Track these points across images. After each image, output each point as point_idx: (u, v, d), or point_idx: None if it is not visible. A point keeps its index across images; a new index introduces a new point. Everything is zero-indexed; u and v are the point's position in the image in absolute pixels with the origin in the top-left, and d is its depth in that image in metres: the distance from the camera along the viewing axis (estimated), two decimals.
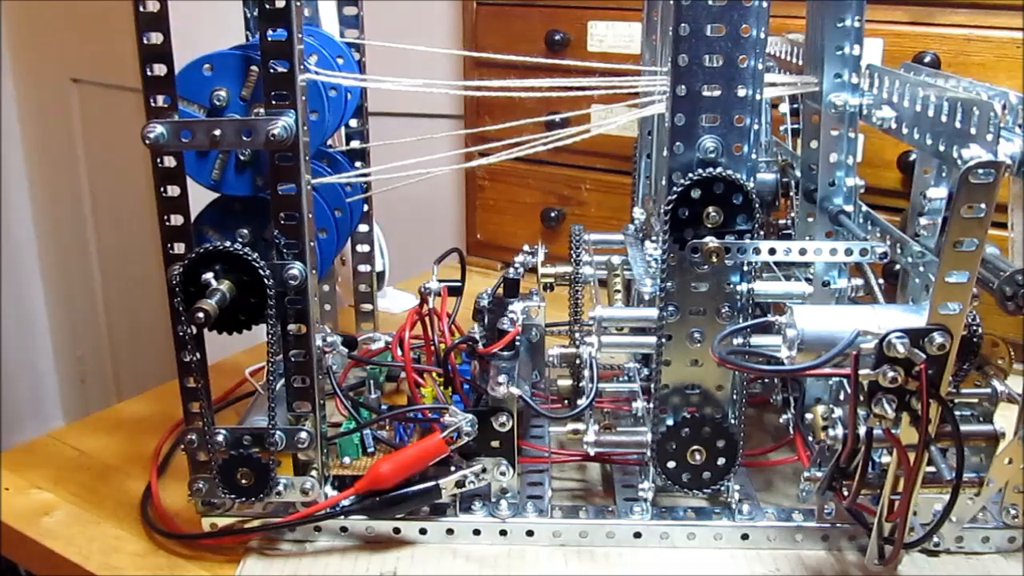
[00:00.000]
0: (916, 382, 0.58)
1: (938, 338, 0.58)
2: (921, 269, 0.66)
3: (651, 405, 0.72)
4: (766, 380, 0.86)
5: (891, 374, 0.58)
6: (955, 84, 0.71)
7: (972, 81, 0.70)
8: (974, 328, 0.63)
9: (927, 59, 1.02)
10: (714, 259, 0.64)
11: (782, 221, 0.87)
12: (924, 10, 1.04)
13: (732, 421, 0.70)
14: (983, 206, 0.56)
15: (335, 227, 0.82)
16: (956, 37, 1.02)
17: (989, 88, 0.67)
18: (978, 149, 0.57)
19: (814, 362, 0.60)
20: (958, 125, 0.60)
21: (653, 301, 0.70)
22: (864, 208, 0.78)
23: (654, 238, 0.83)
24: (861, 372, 0.59)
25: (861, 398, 0.59)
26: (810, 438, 0.75)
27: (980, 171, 0.55)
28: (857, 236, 0.74)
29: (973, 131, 0.58)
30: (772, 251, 0.66)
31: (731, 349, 0.66)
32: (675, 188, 0.64)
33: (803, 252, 0.67)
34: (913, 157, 0.82)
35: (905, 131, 0.70)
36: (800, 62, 0.81)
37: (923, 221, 0.66)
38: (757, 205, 0.65)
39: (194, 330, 0.66)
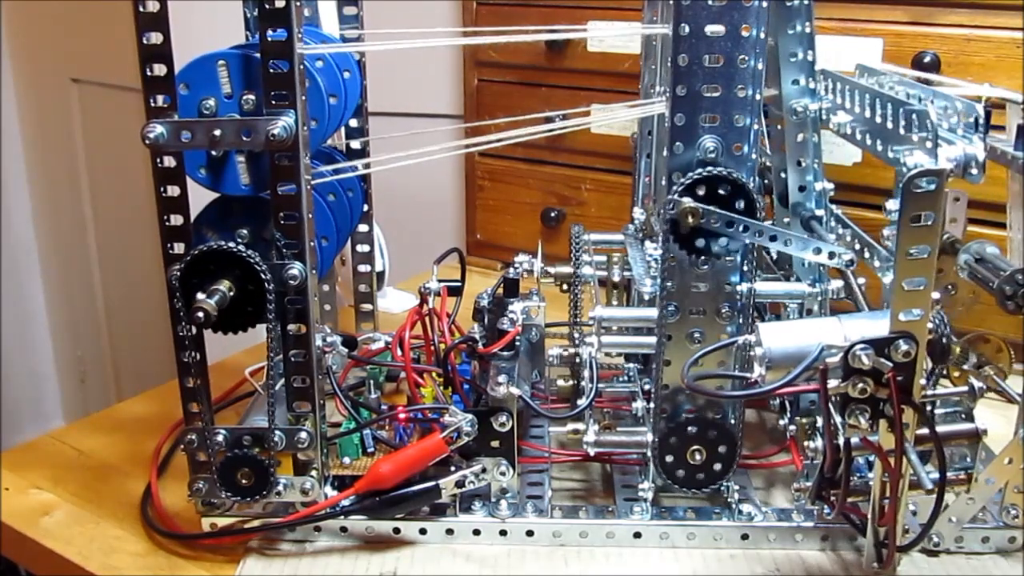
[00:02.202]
0: (887, 389, 0.58)
1: (903, 345, 0.58)
2: (889, 274, 0.66)
3: (651, 405, 0.72)
4: None
5: (860, 385, 0.58)
6: (903, 87, 0.70)
7: (923, 83, 0.70)
8: (941, 329, 0.63)
9: (927, 59, 1.02)
10: (689, 220, 0.64)
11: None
12: (924, 10, 1.04)
13: (731, 421, 0.70)
14: (931, 213, 0.56)
15: (330, 212, 0.82)
16: (956, 37, 1.02)
17: (934, 92, 0.67)
18: (922, 156, 0.57)
19: (782, 380, 0.60)
20: (901, 132, 0.60)
21: (653, 301, 0.70)
22: (836, 212, 0.78)
23: (654, 238, 0.83)
24: (831, 385, 0.59)
25: (834, 410, 0.60)
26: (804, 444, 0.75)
27: (923, 179, 0.55)
28: (826, 242, 0.74)
29: (915, 138, 0.58)
30: (746, 228, 0.65)
31: (699, 375, 0.67)
32: (675, 188, 0.64)
33: (773, 239, 0.67)
34: None
35: (858, 137, 0.70)
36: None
37: (886, 232, 0.66)
38: (757, 205, 0.65)
39: (194, 330, 0.66)
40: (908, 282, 0.58)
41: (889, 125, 0.64)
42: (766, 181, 0.83)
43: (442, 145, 0.74)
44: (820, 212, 0.78)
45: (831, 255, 0.69)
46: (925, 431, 0.60)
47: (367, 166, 0.92)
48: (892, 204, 0.63)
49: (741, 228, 0.65)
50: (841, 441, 0.61)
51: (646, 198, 0.92)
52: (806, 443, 0.69)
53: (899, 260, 0.57)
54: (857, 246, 0.70)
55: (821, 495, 0.64)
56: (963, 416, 0.70)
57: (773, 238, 0.67)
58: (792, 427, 0.76)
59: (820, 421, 0.67)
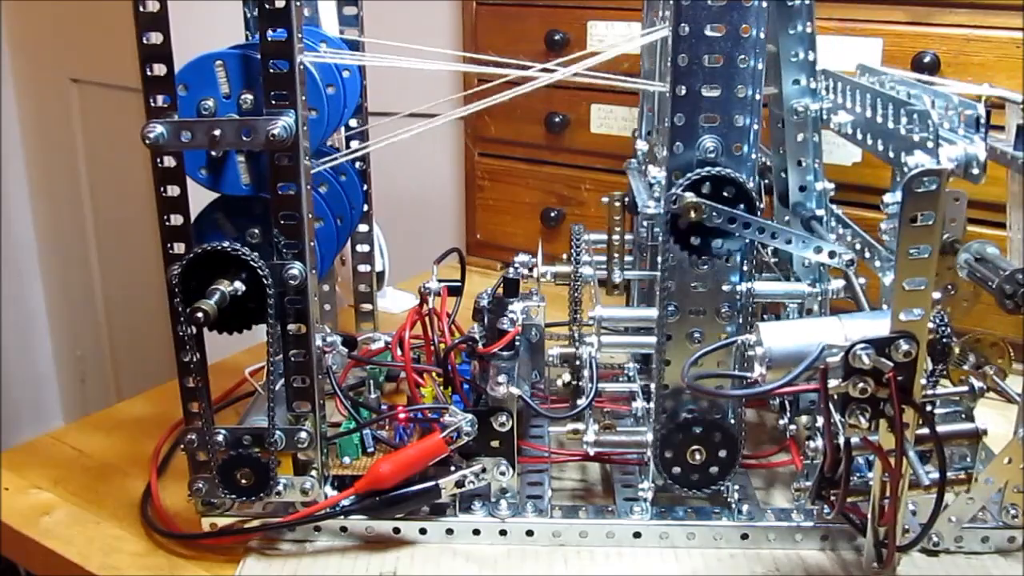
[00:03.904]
0: (887, 389, 0.58)
1: (903, 345, 0.58)
2: (890, 274, 0.66)
3: (651, 405, 0.72)
4: None
5: (860, 385, 0.58)
6: (904, 87, 0.70)
7: (923, 83, 0.70)
8: (942, 329, 0.63)
9: (927, 59, 1.02)
10: (692, 215, 0.63)
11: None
12: (924, 10, 1.04)
13: (731, 421, 0.70)
14: (931, 213, 0.56)
15: (335, 230, 0.82)
16: (956, 37, 1.02)
17: (935, 92, 0.66)
18: (923, 156, 0.57)
19: (782, 380, 0.60)
20: (903, 132, 0.60)
21: (655, 219, 0.68)
22: (837, 211, 0.78)
23: (657, 164, 0.82)
24: (831, 385, 0.59)
25: (835, 409, 0.60)
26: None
27: (924, 179, 0.55)
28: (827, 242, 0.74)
29: (916, 138, 0.58)
30: (747, 224, 0.65)
31: (700, 374, 0.67)
32: (675, 187, 0.64)
33: (774, 235, 0.67)
34: None
35: (859, 136, 0.70)
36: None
37: (883, 226, 0.66)
38: (757, 205, 0.65)
39: (194, 330, 0.66)
40: (908, 282, 0.57)
41: (890, 125, 0.64)
42: (766, 181, 0.83)
43: (441, 119, 0.73)
44: (820, 212, 0.78)
45: (832, 254, 0.69)
46: (925, 431, 0.60)
47: (364, 159, 0.92)
48: (889, 197, 0.64)
49: (743, 225, 0.65)
50: (841, 441, 0.61)
51: (649, 132, 0.92)
52: (807, 442, 0.69)
53: (899, 260, 0.57)
54: (858, 246, 0.70)
55: (821, 495, 0.64)
56: (963, 416, 0.70)
57: (774, 235, 0.67)
58: (792, 427, 0.75)
59: (820, 421, 0.67)
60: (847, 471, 0.62)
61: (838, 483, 0.63)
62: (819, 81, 0.76)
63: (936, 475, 0.61)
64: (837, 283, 0.77)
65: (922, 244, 0.57)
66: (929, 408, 0.62)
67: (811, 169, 0.77)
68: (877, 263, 0.67)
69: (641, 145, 0.93)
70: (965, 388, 0.68)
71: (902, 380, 0.58)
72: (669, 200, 0.65)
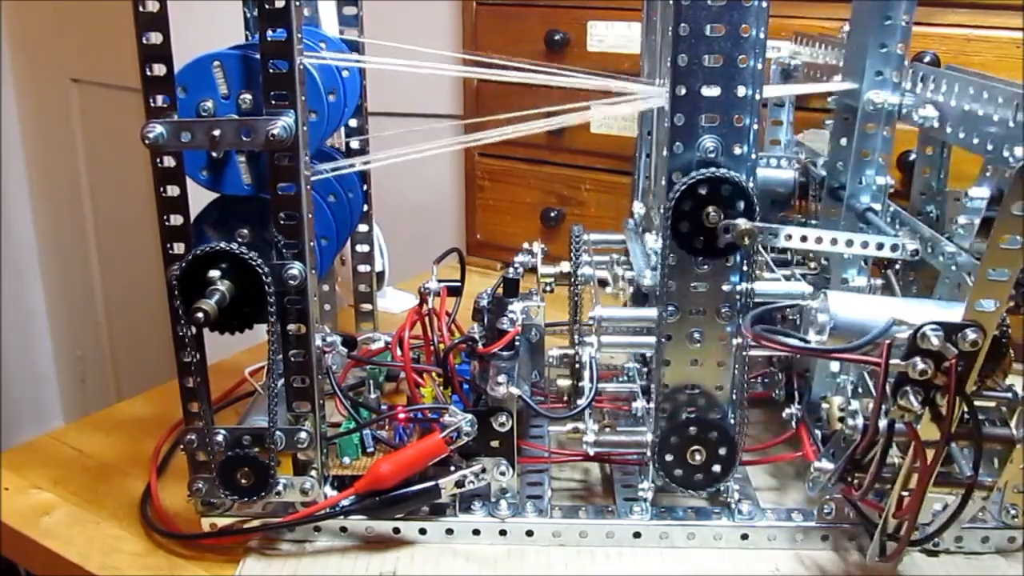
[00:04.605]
0: (943, 377, 0.58)
1: (971, 334, 0.57)
2: (953, 268, 0.66)
3: (651, 405, 0.72)
4: (767, 379, 0.86)
5: (921, 366, 0.57)
6: (1004, 85, 0.71)
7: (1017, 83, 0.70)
8: (1004, 329, 0.63)
9: (927, 59, 1.02)
10: (745, 240, 0.63)
11: (799, 218, 0.87)
12: (924, 10, 1.03)
13: (732, 421, 0.70)
14: None
15: (330, 213, 0.82)
16: (956, 37, 1.02)
17: None
18: None
19: (848, 345, 0.60)
20: (1012, 124, 0.60)
21: (653, 293, 0.69)
22: (892, 207, 0.77)
23: (654, 231, 0.83)
24: (891, 362, 0.58)
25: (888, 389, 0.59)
26: (816, 432, 0.75)
27: None
28: (886, 234, 0.74)
29: None
30: (804, 238, 0.66)
31: (764, 328, 0.66)
32: (676, 188, 0.64)
33: (834, 242, 0.67)
34: (913, 157, 0.82)
35: (949, 130, 0.69)
36: (835, 62, 0.81)
37: (961, 220, 0.66)
38: (756, 205, 0.65)
39: (194, 330, 0.66)
40: (993, 271, 0.57)
41: (996, 116, 0.63)
42: (803, 179, 0.83)
43: (441, 142, 0.74)
44: (877, 206, 0.77)
45: (895, 247, 0.69)
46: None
47: (366, 163, 0.92)
48: (975, 191, 0.64)
49: (800, 239, 0.66)
50: (884, 423, 0.60)
51: (646, 193, 0.92)
52: (846, 421, 0.68)
53: (990, 248, 0.57)
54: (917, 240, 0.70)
55: (844, 477, 0.64)
56: (992, 421, 0.69)
57: (834, 242, 0.67)
58: (824, 405, 0.74)
59: (854, 403, 0.66)
60: (883, 454, 0.61)
61: (865, 467, 0.62)
62: (903, 75, 0.75)
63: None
64: (875, 282, 0.77)
65: (1018, 234, 0.56)
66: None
67: (875, 163, 0.76)
68: (940, 258, 0.67)
69: (638, 208, 0.92)
70: (1008, 394, 0.68)
71: (961, 371, 0.57)
72: (722, 228, 0.64)
